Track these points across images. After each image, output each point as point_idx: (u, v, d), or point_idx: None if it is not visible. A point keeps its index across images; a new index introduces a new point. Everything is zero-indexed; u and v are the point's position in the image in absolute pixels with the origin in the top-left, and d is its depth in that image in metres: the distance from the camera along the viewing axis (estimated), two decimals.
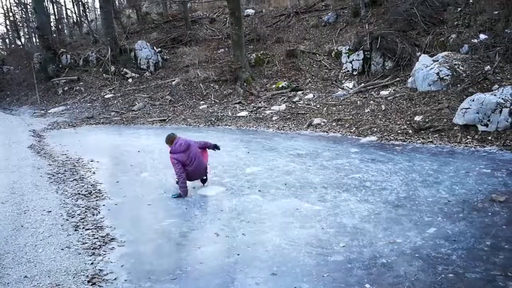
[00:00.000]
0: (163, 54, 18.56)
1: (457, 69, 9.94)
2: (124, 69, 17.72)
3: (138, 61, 17.96)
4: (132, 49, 18.34)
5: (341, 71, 13.86)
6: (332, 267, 3.55)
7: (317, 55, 15.28)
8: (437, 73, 9.94)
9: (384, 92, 11.28)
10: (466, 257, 3.60)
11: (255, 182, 6.06)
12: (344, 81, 13.36)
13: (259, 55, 15.96)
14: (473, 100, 7.84)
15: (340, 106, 11.26)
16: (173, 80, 16.19)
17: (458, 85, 9.61)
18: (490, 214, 4.48)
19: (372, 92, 11.62)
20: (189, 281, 3.39)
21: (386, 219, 4.55)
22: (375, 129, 9.05)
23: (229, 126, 11.34)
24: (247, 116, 11.97)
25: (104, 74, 18.08)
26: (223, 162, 7.12)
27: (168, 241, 4.20)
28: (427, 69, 10.20)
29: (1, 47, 33.95)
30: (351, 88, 12.56)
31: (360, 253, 3.78)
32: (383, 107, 10.28)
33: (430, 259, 3.61)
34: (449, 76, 9.82)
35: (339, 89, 12.82)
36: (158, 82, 16.49)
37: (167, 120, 12.82)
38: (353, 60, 13.37)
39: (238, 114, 12.30)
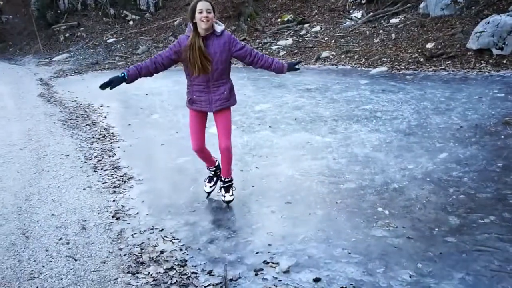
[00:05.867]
0: None
1: None
2: (124, 12, 17.22)
3: (138, 2, 17.37)
4: None
5: (349, 0, 13.30)
6: (344, 194, 3.65)
7: None
8: None
9: (394, 20, 10.88)
10: (478, 179, 3.66)
11: (265, 119, 6.08)
12: (352, 11, 12.86)
13: None
14: (488, 23, 7.55)
15: (348, 38, 10.95)
16: (175, 20, 15.74)
17: (473, 7, 9.21)
18: (502, 137, 4.49)
19: (382, 21, 11.22)
20: (208, 212, 3.53)
21: (398, 147, 4.59)
22: (385, 59, 8.86)
23: (235, 64, 11.15)
24: None
25: (104, 18, 17.61)
26: None
27: (184, 177, 4.31)
28: None
29: None
30: (359, 18, 12.12)
31: (372, 180, 3.86)
32: (393, 36, 9.97)
33: (441, 182, 3.68)
34: None
35: (347, 19, 12.37)
36: (160, 23, 16.06)
37: None
38: None
39: None
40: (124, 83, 3.23)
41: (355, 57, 9.54)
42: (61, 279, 2.76)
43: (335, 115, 5.91)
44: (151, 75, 3.30)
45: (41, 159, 5.08)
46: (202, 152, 3.58)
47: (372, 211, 3.30)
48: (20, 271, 2.87)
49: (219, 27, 3.22)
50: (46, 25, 18.38)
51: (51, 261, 2.95)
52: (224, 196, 3.59)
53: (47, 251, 3.08)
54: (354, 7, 12.99)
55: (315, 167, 4.26)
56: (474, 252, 2.68)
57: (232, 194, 3.61)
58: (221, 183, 3.64)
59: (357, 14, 12.42)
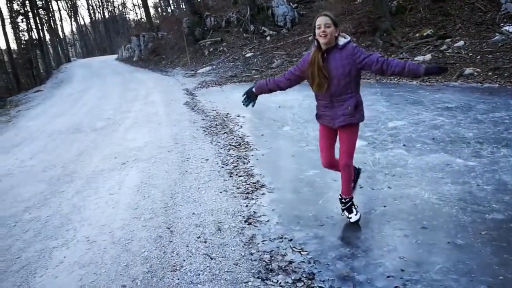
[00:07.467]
0: (299, 10, 18.47)
1: None
2: (263, 27, 18.24)
3: (275, 18, 18.23)
4: (269, 7, 18.66)
5: (500, 12, 11.99)
6: (490, 225, 3.29)
7: None
8: None
9: None
10: None
11: (399, 137, 5.82)
12: (503, 24, 11.56)
13: (401, 2, 14.74)
14: None
15: (498, 53, 9.86)
16: (310, 36, 16.07)
17: None
18: None
19: None
20: (337, 228, 3.52)
21: None
22: None
23: (368, 79, 10.93)
24: None
25: (244, 34, 18.90)
26: None
27: (313, 190, 4.37)
28: None
29: (155, 15, 37.88)
30: None
31: None
32: None
33: None
34: None
35: (497, 33, 11.15)
36: (295, 39, 16.58)
37: None
38: None
39: None
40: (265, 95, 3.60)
41: (505, 74, 8.54)
42: (199, 274, 3.03)
43: (479, 137, 5.38)
44: (279, 88, 3.46)
45: (185, 162, 5.67)
46: (333, 167, 3.62)
47: None
48: (165, 262, 3.23)
49: (343, 40, 3.13)
50: (193, 40, 20.49)
51: (190, 257, 3.26)
52: (350, 218, 3.52)
53: (187, 246, 3.42)
54: (505, 20, 11.65)
55: (456, 192, 3.93)
56: None
57: (357, 213, 3.54)
58: (342, 204, 3.58)
59: (509, 28, 11.10)
